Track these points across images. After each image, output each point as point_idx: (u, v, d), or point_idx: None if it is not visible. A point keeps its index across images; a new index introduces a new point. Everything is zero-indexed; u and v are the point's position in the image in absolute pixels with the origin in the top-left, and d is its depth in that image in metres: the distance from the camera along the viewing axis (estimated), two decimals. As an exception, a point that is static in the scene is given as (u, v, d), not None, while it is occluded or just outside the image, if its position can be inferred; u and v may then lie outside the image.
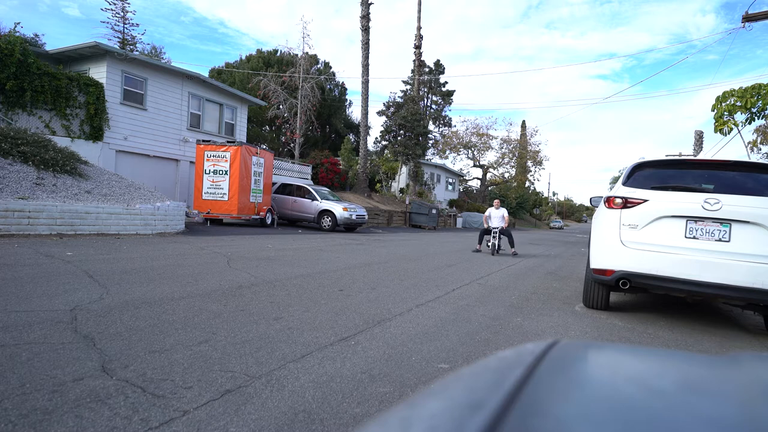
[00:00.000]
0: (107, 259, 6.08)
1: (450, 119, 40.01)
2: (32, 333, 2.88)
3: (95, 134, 14.72)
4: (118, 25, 28.73)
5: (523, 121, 51.51)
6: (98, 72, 15.13)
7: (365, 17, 26.46)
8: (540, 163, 46.31)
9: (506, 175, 47.30)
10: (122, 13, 28.68)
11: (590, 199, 5.49)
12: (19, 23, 13.86)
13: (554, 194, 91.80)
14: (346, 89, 36.52)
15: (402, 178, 32.72)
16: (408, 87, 35.61)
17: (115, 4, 28.32)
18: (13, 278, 4.40)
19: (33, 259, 5.57)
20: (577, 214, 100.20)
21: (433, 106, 39.63)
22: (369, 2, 26.51)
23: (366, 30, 26.56)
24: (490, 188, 46.41)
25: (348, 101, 37.47)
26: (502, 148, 44.08)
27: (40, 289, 4.03)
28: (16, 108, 12.97)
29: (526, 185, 51.58)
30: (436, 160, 40.39)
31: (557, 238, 25.79)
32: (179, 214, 11.22)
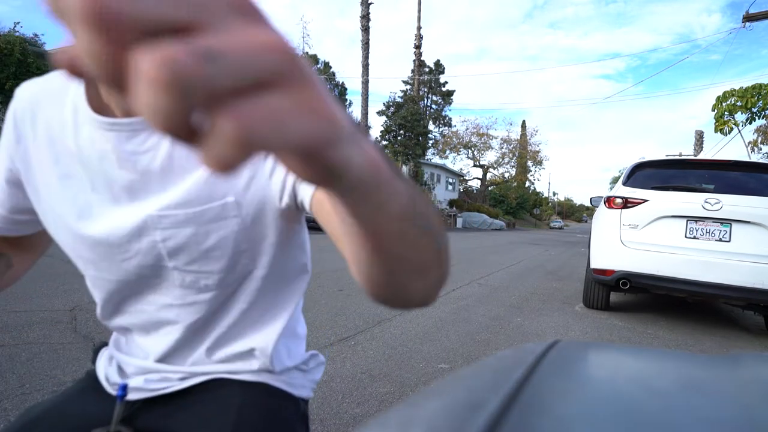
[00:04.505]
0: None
1: (450, 119, 40.06)
2: (32, 333, 2.88)
3: (95, 134, 14.73)
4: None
5: (524, 121, 51.50)
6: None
7: (365, 17, 26.48)
8: (540, 163, 46.39)
9: (506, 175, 47.32)
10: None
11: (590, 199, 5.49)
12: (18, 23, 13.84)
13: (554, 194, 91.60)
14: (346, 89, 36.51)
15: (402, 178, 32.67)
16: (408, 87, 35.63)
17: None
18: (13, 278, 4.40)
19: (33, 259, 5.57)
20: (577, 214, 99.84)
21: (433, 106, 39.65)
22: (369, 2, 26.52)
23: (366, 30, 26.57)
24: (490, 188, 46.43)
25: (348, 101, 37.47)
26: (502, 147, 44.15)
27: (39, 289, 4.03)
28: (16, 108, 12.95)
29: (526, 185, 51.58)
30: (436, 160, 40.40)
31: (557, 238, 25.81)
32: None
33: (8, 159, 0.65)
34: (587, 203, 6.99)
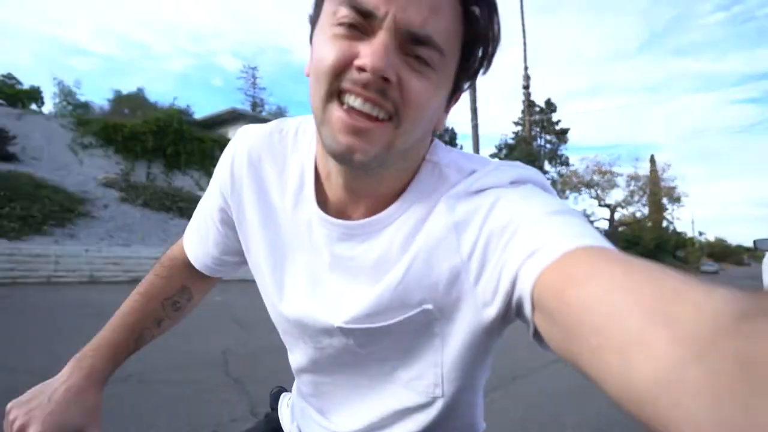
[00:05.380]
0: (251, 305, 6.63)
1: (567, 158, 38.10)
2: (194, 373, 3.23)
3: (236, 189, 16.84)
4: (250, 90, 33.30)
5: (652, 156, 46.69)
6: (235, 133, 17.58)
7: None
8: (678, 200, 41.42)
9: (638, 214, 42.94)
10: (253, 80, 33.34)
11: (755, 241, 4.56)
12: (176, 98, 16.85)
13: (701, 234, 79.25)
14: (456, 134, 36.86)
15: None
16: (519, 128, 34.91)
17: (246, 72, 33.14)
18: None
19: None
20: (734, 256, 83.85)
21: (548, 146, 38.14)
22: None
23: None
24: (620, 229, 42.34)
25: (459, 146, 37.72)
26: (630, 185, 40.35)
27: (197, 332, 4.52)
28: (174, 169, 15.35)
29: (664, 225, 46.00)
30: (554, 200, 38.17)
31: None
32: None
33: (221, 199, 0.62)
34: (745, 243, 5.98)
